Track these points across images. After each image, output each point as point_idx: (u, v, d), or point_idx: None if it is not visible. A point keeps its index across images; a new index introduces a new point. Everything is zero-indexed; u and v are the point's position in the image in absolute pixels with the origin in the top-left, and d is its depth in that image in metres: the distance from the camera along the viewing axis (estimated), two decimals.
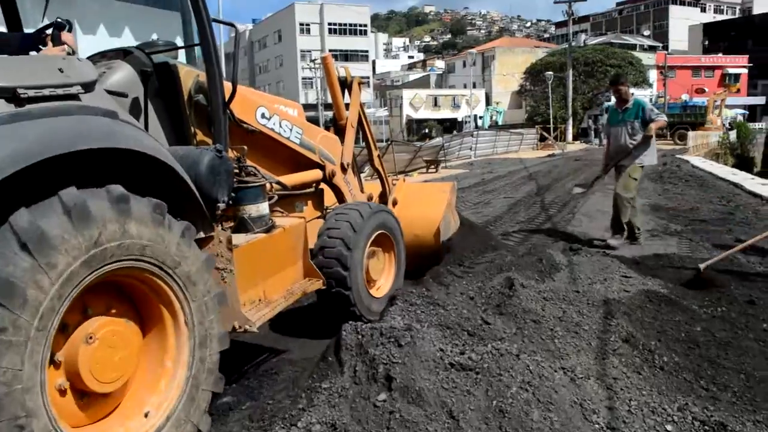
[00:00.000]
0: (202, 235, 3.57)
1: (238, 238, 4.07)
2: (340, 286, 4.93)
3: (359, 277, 5.08)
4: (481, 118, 61.21)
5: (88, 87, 3.02)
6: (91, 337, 2.73)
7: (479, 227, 8.81)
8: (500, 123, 58.99)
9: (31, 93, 2.70)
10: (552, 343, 4.06)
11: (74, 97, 2.92)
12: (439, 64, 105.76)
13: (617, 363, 3.92)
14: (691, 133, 34.58)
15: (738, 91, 64.41)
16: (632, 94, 8.48)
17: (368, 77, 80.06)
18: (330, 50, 75.45)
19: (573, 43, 54.04)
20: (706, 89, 59.71)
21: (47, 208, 2.50)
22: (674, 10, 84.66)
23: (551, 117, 45.09)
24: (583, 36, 73.89)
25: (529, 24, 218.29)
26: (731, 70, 67.44)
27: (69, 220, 2.52)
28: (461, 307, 4.35)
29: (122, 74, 3.86)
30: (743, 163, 32.96)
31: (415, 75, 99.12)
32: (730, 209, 10.76)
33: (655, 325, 4.78)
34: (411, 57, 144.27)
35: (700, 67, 68.89)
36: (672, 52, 73.64)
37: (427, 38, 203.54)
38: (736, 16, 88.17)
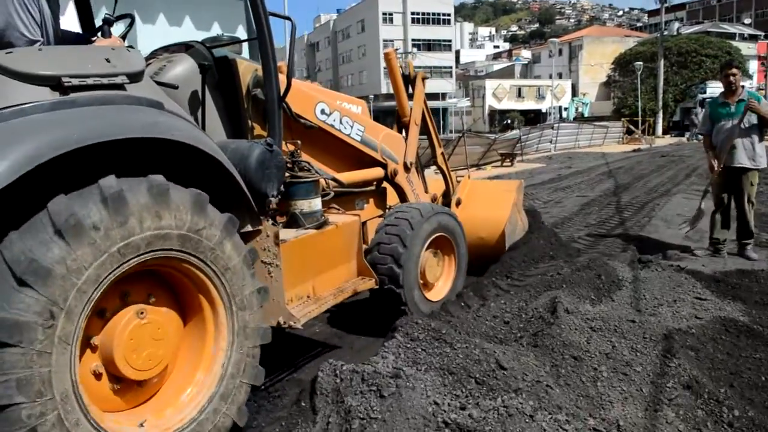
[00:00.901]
0: (249, 228, 3.58)
1: (287, 233, 4.12)
2: (392, 283, 4.90)
3: (413, 276, 5.03)
4: (566, 109, 59.23)
5: (135, 77, 3.03)
6: (141, 314, 2.84)
7: (546, 228, 8.05)
8: (586, 115, 56.85)
9: (76, 82, 2.74)
10: (593, 388, 3.36)
11: (120, 86, 2.94)
12: (525, 54, 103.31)
13: (672, 417, 3.20)
14: None
15: None
16: (743, 87, 7.25)
17: (451, 67, 78.95)
18: (412, 40, 75.45)
19: (666, 32, 51.26)
20: None
21: (86, 195, 2.55)
22: None
23: (639, 109, 42.90)
24: (676, 24, 70.04)
25: (621, 13, 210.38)
26: None
27: (105, 208, 2.56)
28: (484, 339, 3.66)
29: (182, 67, 3.94)
30: None
31: (499, 65, 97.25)
32: None
33: (728, 364, 3.98)
34: (496, 47, 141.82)
35: None
36: None
37: (513, 27, 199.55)
38: None
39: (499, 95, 70.00)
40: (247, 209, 3.53)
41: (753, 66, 57.82)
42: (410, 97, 6.45)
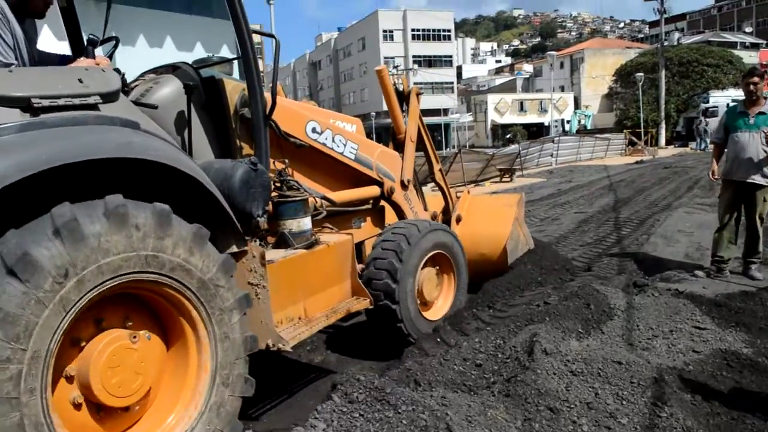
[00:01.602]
0: (234, 249, 3.51)
1: (275, 254, 4.02)
2: (388, 299, 4.81)
3: (409, 292, 4.95)
4: (568, 122, 58.86)
5: (110, 97, 3.01)
6: (135, 337, 2.83)
7: (551, 249, 7.67)
8: (589, 127, 56.43)
9: (46, 103, 2.72)
10: None
11: (93, 106, 2.92)
12: (527, 68, 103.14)
13: None
14: None
15: None
16: (766, 98, 6.64)
17: (452, 82, 78.81)
18: (413, 56, 75.42)
19: (666, 43, 50.91)
20: None
21: (35, 228, 2.47)
22: None
23: (641, 120, 42.44)
24: (677, 34, 69.70)
25: (622, 25, 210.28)
26: None
27: (58, 239, 2.47)
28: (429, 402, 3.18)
29: (167, 89, 3.88)
30: None
31: (501, 79, 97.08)
32: None
33: (729, 408, 3.51)
34: (498, 61, 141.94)
35: None
36: None
37: (515, 42, 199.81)
38: None
39: (502, 110, 69.73)
40: (232, 230, 3.45)
41: None
42: (405, 113, 6.34)
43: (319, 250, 4.33)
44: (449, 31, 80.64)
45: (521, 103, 71.37)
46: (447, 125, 66.96)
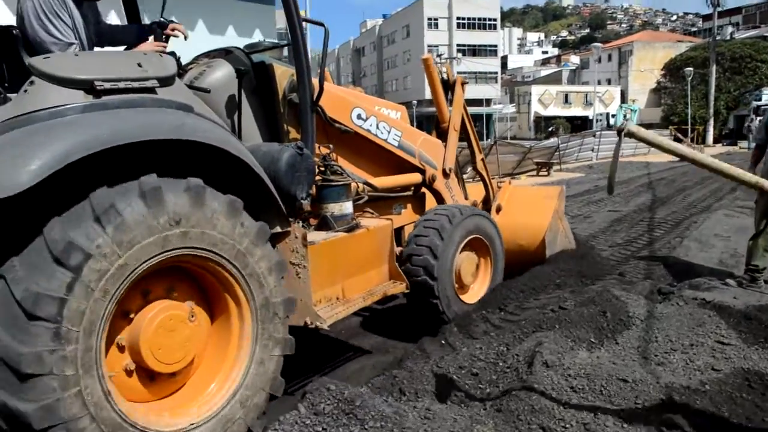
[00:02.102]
0: (278, 229, 3.67)
1: (317, 236, 4.18)
2: (427, 275, 4.97)
3: (447, 270, 5.08)
4: (613, 116, 57.64)
5: (166, 81, 3.16)
6: (193, 316, 3.08)
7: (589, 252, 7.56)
8: (635, 122, 55.12)
9: (107, 85, 2.90)
10: None
11: (150, 90, 3.08)
12: (574, 59, 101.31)
13: None
14: None
15: None
16: None
17: (496, 72, 77.75)
18: (457, 45, 74.61)
19: (718, 37, 49.31)
20: None
21: (127, 189, 2.75)
22: None
23: (689, 117, 41.25)
24: (730, 29, 67.51)
25: (674, 17, 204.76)
26: None
27: (144, 202, 2.75)
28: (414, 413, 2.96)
29: (219, 72, 4.05)
30: None
31: (547, 71, 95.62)
32: None
33: None
34: (545, 52, 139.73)
35: None
36: None
37: (563, 33, 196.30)
38: None
39: (545, 101, 68.65)
40: (276, 211, 3.63)
41: None
42: (450, 102, 6.45)
43: (359, 233, 4.51)
44: (495, 20, 79.47)
45: (566, 96, 70.13)
46: (489, 116, 66.13)
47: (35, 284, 2.47)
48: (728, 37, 58.73)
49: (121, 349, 2.89)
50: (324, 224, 4.38)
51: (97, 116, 2.81)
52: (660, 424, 3.04)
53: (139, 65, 3.10)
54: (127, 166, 2.80)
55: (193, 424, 2.99)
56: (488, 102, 67.93)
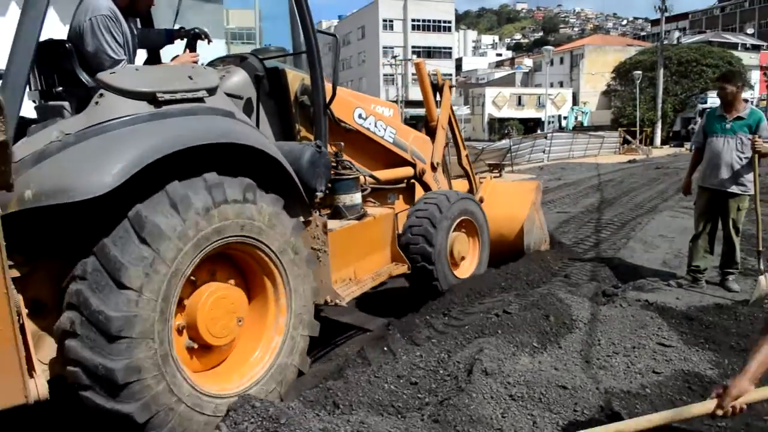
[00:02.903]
0: (301, 219, 4.09)
1: (333, 224, 4.72)
2: (425, 261, 5.59)
3: (442, 253, 5.72)
4: (565, 118, 58.46)
5: (212, 91, 3.62)
6: (240, 320, 3.60)
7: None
8: (586, 124, 56.02)
9: (167, 96, 3.32)
10: None
11: (200, 99, 3.52)
12: (528, 62, 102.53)
13: None
14: None
15: None
16: (748, 102, 6.35)
17: (451, 74, 78.19)
18: (413, 47, 74.78)
19: (666, 41, 50.47)
20: None
21: (193, 183, 3.22)
22: None
23: (637, 119, 42.10)
24: (676, 33, 69.19)
25: (625, 22, 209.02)
26: None
27: (210, 196, 3.24)
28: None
29: (238, 78, 4.49)
30: None
31: (501, 73, 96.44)
32: None
33: None
34: (499, 55, 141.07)
35: None
36: None
37: (517, 36, 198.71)
38: None
39: (499, 103, 69.19)
40: (300, 202, 4.09)
41: (755, 76, 57.06)
42: (438, 104, 7.10)
43: (367, 221, 5.14)
44: (450, 22, 79.95)
45: (519, 98, 70.82)
46: None
47: (124, 260, 2.90)
48: (675, 42, 60.18)
49: (179, 331, 3.35)
50: (336, 213, 4.92)
51: (162, 124, 3.24)
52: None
53: (190, 77, 3.55)
54: (188, 164, 3.23)
55: (242, 388, 3.46)
56: (452, 108, 68.03)
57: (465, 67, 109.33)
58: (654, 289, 6.17)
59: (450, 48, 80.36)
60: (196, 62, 4.03)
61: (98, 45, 3.52)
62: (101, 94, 3.19)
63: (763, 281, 5.71)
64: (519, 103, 70.20)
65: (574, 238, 9.44)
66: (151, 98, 3.28)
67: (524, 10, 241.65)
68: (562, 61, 74.41)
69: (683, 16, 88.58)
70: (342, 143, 5.13)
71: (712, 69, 48.03)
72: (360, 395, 3.27)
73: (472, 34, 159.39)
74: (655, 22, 79.03)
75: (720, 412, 2.32)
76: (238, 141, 3.48)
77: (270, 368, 3.65)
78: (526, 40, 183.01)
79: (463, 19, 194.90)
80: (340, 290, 4.54)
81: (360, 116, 5.62)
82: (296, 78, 4.89)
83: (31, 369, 2.75)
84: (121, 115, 3.15)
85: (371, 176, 5.56)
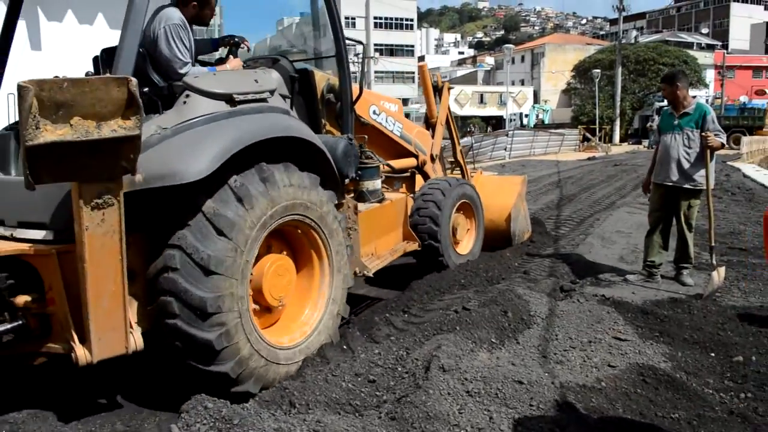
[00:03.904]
0: (336, 201, 4.64)
1: (360, 206, 5.40)
2: (432, 239, 6.39)
3: (446, 232, 6.53)
4: (526, 116, 59.10)
5: (272, 92, 4.29)
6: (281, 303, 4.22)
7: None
8: (547, 122, 56.73)
9: (241, 97, 3.96)
10: None
11: (264, 99, 4.17)
12: (489, 60, 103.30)
13: None
14: (745, 138, 31.90)
15: None
16: (694, 97, 6.49)
17: (413, 72, 78.33)
18: (375, 44, 74.65)
19: (624, 41, 51.37)
20: (767, 91, 56.29)
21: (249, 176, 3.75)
22: (735, 8, 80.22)
23: (597, 117, 42.78)
24: (634, 32, 70.50)
25: (584, 21, 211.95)
26: None
27: (273, 180, 3.86)
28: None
29: (276, 79, 4.72)
30: None
31: (463, 71, 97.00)
32: None
33: None
34: (461, 53, 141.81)
35: (761, 67, 65.21)
36: (732, 51, 69.96)
37: (479, 34, 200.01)
38: None
39: (461, 101, 69.51)
40: (336, 187, 4.67)
41: (710, 75, 58.46)
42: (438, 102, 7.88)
43: (386, 204, 5.92)
44: (412, 20, 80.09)
45: (481, 96, 71.29)
46: (407, 115, 66.28)
47: (208, 249, 3.43)
48: (633, 41, 61.33)
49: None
50: (360, 197, 5.55)
51: (240, 120, 3.85)
52: (553, 423, 3.02)
53: (256, 81, 4.21)
54: (254, 153, 3.76)
55: (299, 340, 4.19)
56: (405, 101, 68.36)
57: (428, 65, 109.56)
58: (611, 284, 6.26)
59: (412, 46, 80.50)
60: (241, 67, 4.63)
61: (171, 50, 3.97)
62: (187, 95, 3.78)
63: (716, 276, 5.83)
64: (481, 101, 70.67)
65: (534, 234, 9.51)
66: (228, 99, 3.89)
67: (486, 9, 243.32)
68: (523, 59, 75.25)
69: (640, 15, 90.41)
70: (366, 136, 5.80)
71: (669, 67, 49.08)
72: (317, 394, 3.24)
73: (434, 32, 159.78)
74: (614, 22, 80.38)
75: None
76: (296, 135, 4.15)
77: (320, 322, 4.37)
78: (488, 39, 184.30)
79: (426, 17, 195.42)
80: (366, 263, 5.34)
81: (374, 112, 6.33)
82: (322, 78, 5.47)
83: (129, 325, 3.29)
84: (206, 113, 3.75)
85: (388, 165, 6.34)
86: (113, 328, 3.19)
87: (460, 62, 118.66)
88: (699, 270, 6.72)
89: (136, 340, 3.35)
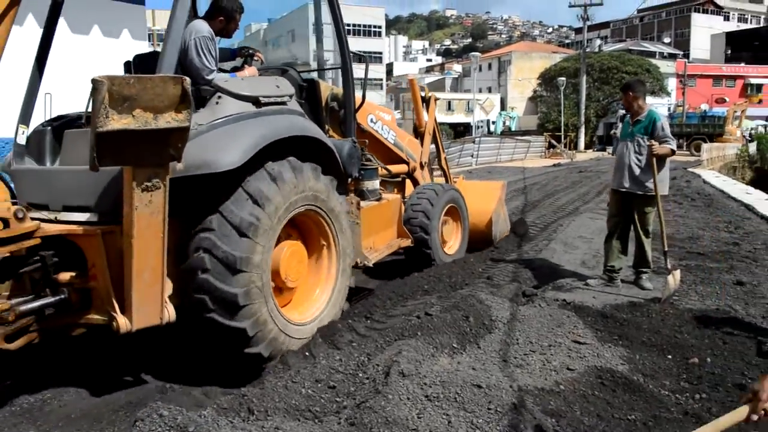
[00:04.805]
0: (342, 196, 5.26)
1: (361, 203, 5.87)
2: (423, 231, 7.01)
3: (436, 228, 7.17)
4: (494, 123, 59.53)
5: (291, 97, 4.95)
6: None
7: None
8: (513, 129, 57.24)
9: (265, 100, 4.58)
10: None
11: (284, 103, 4.79)
12: (457, 68, 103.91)
13: None
14: (705, 145, 32.62)
15: (760, 102, 61.84)
16: (648, 105, 6.59)
17: (381, 79, 78.47)
18: None
19: (588, 49, 52.15)
20: (727, 99, 57.63)
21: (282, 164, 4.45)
22: (696, 18, 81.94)
23: (562, 124, 43.32)
24: (598, 41, 71.60)
25: (550, 30, 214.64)
26: (753, 80, 65.10)
27: (293, 172, 4.53)
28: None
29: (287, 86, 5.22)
30: (762, 178, 30.93)
31: (431, 78, 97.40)
32: (737, 238, 9.14)
33: None
34: (429, 60, 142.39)
35: (721, 76, 66.67)
36: (693, 60, 71.36)
37: (447, 42, 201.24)
38: (761, 25, 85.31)
39: None
40: (342, 184, 5.32)
41: (672, 83, 59.56)
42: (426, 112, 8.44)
43: (383, 203, 6.48)
44: (380, 27, 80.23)
45: (449, 103, 71.60)
46: None
47: (232, 250, 3.98)
48: (597, 50, 62.18)
49: None
50: (361, 196, 6.01)
51: (265, 119, 4.44)
52: (511, 427, 3.05)
53: (277, 86, 4.85)
54: (276, 149, 4.34)
55: (313, 316, 4.87)
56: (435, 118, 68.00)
57: (396, 72, 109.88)
58: (572, 289, 6.34)
59: (380, 53, 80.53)
60: (256, 75, 5.13)
61: (201, 59, 4.46)
62: (219, 96, 4.38)
63: (671, 280, 5.95)
64: (449, 108, 70.96)
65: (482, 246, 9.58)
66: (254, 101, 4.50)
67: (453, 17, 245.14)
68: (490, 67, 75.80)
69: (605, 25, 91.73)
70: (366, 141, 6.35)
71: (632, 76, 49.87)
72: (276, 401, 3.23)
73: (402, 40, 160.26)
74: (579, 31, 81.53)
75: (755, 417, 2.31)
76: (312, 135, 4.78)
77: (330, 299, 5.00)
78: (456, 46, 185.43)
79: (394, 25, 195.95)
80: (367, 255, 5.83)
81: (371, 120, 6.85)
82: (326, 88, 6.02)
83: (164, 299, 3.68)
84: (235, 112, 4.33)
85: (386, 168, 6.89)
86: (152, 300, 3.59)
87: (428, 69, 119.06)
88: (658, 274, 6.83)
89: (170, 312, 3.75)
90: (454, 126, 66.22)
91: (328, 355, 4.27)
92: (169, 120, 3.19)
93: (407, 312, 4.99)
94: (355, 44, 75.25)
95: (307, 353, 4.44)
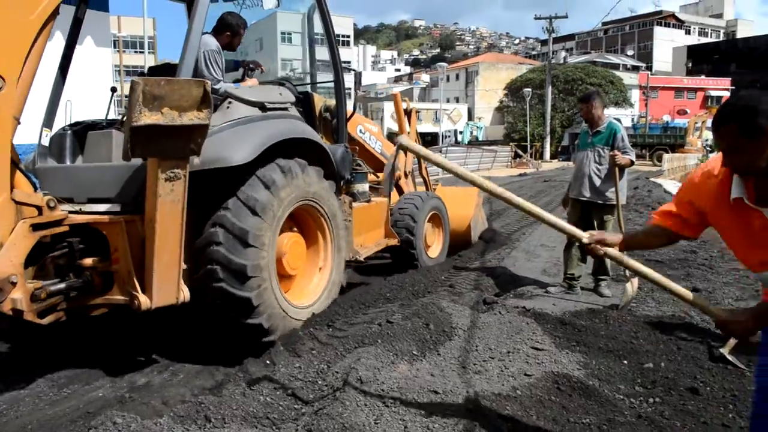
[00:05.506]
0: (336, 195, 5.77)
1: (353, 203, 6.46)
2: (409, 233, 7.50)
3: (420, 232, 7.66)
4: (461, 133, 59.97)
5: (291, 104, 5.59)
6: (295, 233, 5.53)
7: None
8: (480, 139, 57.72)
9: (270, 105, 5.20)
10: None
11: (285, 108, 5.45)
12: (425, 77, 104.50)
13: None
14: (667, 155, 33.34)
15: None
16: (606, 117, 6.73)
17: (350, 89, 78.45)
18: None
19: (554, 61, 52.96)
20: (688, 111, 58.91)
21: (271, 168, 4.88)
22: (659, 32, 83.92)
23: (528, 134, 43.86)
24: (563, 53, 72.80)
25: (517, 41, 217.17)
26: (713, 93, 66.65)
27: (300, 168, 5.14)
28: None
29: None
30: None
31: (399, 88, 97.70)
32: (694, 246, 9.33)
33: None
34: (398, 70, 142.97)
35: (682, 88, 68.20)
36: (656, 72, 72.93)
37: (415, 52, 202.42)
38: (720, 39, 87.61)
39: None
40: (336, 185, 5.81)
41: (635, 95, 60.73)
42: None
43: (372, 204, 6.99)
44: (349, 37, 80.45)
45: (417, 112, 71.99)
46: None
47: (245, 225, 4.49)
48: (563, 61, 63.18)
49: None
50: (352, 197, 6.51)
51: (270, 123, 5.01)
52: (466, 430, 3.10)
53: (280, 94, 5.46)
54: (278, 149, 4.86)
55: (310, 302, 5.37)
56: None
57: (364, 81, 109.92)
58: (532, 296, 6.43)
59: (349, 62, 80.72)
60: (258, 85, 5.65)
61: (209, 71, 4.94)
62: (230, 101, 4.90)
63: (629, 287, 6.07)
64: (417, 117, 71.33)
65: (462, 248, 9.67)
66: (261, 106, 5.08)
67: (422, 27, 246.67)
68: (458, 77, 76.42)
69: (570, 37, 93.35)
70: (357, 147, 6.93)
71: (596, 87, 50.81)
72: (233, 408, 3.23)
73: (371, 49, 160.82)
74: (544, 42, 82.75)
75: (585, 241, 2.88)
76: (311, 137, 5.34)
77: (325, 289, 5.53)
78: (424, 56, 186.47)
79: (363, 35, 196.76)
80: (358, 250, 6.28)
81: (360, 131, 7.39)
82: (320, 100, 6.47)
83: (180, 281, 4.08)
84: (244, 116, 4.89)
85: (374, 173, 7.42)
86: (170, 281, 4.02)
87: (397, 79, 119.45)
88: (617, 281, 6.96)
89: (185, 293, 4.19)
90: (422, 135, 66.32)
91: (288, 362, 4.27)
92: (192, 118, 3.62)
93: (368, 320, 5.01)
94: (323, 53, 75.48)
95: (267, 362, 4.44)
